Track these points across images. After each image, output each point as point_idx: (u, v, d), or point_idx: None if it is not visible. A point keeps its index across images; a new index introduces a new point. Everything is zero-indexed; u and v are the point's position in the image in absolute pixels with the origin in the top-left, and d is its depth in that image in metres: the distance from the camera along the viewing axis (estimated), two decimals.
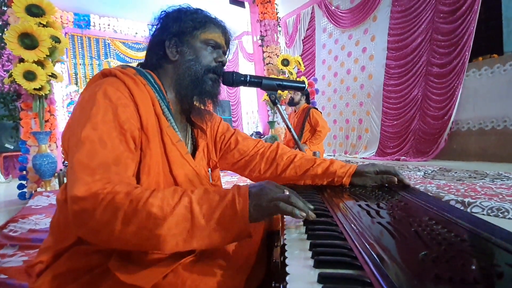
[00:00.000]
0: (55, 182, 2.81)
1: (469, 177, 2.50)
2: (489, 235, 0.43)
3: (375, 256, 0.38)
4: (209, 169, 0.87)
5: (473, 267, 0.34)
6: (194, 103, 0.78)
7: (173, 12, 0.77)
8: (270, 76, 4.43)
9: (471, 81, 3.78)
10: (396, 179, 0.80)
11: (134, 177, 0.60)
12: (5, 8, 2.68)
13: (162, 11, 0.78)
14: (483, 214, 1.56)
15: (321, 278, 0.34)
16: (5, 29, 2.61)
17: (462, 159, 3.85)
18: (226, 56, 0.82)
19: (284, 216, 0.60)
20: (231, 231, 0.50)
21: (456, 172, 2.80)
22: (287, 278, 0.35)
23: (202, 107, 0.81)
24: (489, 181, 2.28)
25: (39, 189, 2.69)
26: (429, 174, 2.82)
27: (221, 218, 0.50)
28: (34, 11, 2.43)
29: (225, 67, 0.83)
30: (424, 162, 3.92)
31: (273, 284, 0.56)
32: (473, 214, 1.57)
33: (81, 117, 0.58)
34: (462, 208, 1.66)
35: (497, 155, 3.53)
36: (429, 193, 1.91)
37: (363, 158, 4.88)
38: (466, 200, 1.70)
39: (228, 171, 0.97)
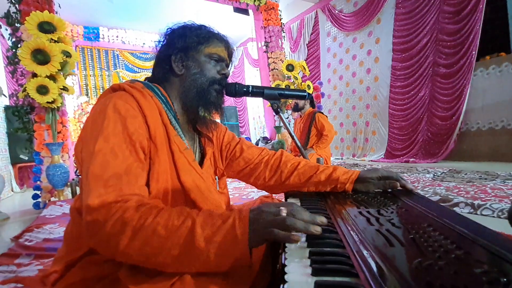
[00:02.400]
0: (67, 192, 2.88)
1: (480, 179, 2.45)
2: (486, 242, 0.43)
3: (371, 263, 0.39)
4: (216, 177, 0.90)
5: (465, 274, 0.35)
6: (200, 113, 0.82)
7: (178, 28, 0.81)
8: (276, 82, 4.46)
9: (479, 80, 3.72)
10: (398, 184, 0.81)
11: (145, 186, 0.63)
12: (19, 25, 2.80)
13: (168, 28, 0.82)
14: (494, 217, 1.54)
15: (318, 286, 0.36)
16: (19, 45, 2.73)
17: (473, 159, 3.78)
18: (228, 69, 0.85)
19: None
20: (231, 255, 0.50)
21: (466, 174, 2.76)
22: (285, 286, 0.37)
23: (208, 117, 0.85)
24: (500, 182, 2.23)
25: (52, 199, 2.77)
26: (438, 176, 2.78)
27: (221, 242, 0.50)
28: (46, 27, 2.53)
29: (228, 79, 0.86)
30: (434, 164, 3.86)
31: None
32: (484, 216, 1.54)
33: (93, 130, 0.62)
34: (472, 210, 1.63)
35: (509, 155, 3.45)
36: (438, 196, 1.89)
37: (371, 160, 4.83)
38: (476, 202, 1.67)
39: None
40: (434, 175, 2.85)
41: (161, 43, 0.82)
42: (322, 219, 0.52)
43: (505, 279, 0.33)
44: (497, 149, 3.57)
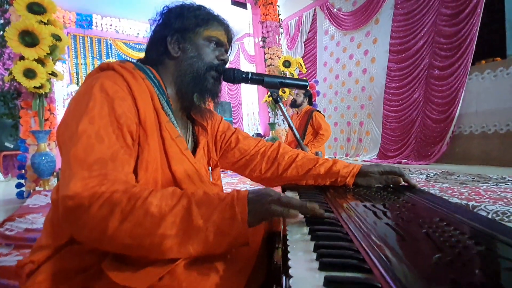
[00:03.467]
0: (53, 181, 2.78)
1: (472, 181, 2.47)
2: (504, 237, 0.40)
3: (384, 258, 0.36)
4: (210, 167, 0.85)
5: (493, 272, 0.31)
6: (195, 100, 0.77)
7: (175, 8, 0.76)
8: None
9: (473, 84, 3.75)
10: (401, 179, 0.78)
11: (132, 173, 0.58)
12: (7, 7, 2.67)
13: (164, 7, 0.77)
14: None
15: (328, 282, 0.32)
16: (7, 27, 2.60)
17: (465, 162, 3.82)
18: (228, 55, 0.80)
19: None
20: (229, 234, 0.48)
21: (459, 176, 2.77)
22: (291, 281, 0.33)
23: (203, 105, 0.80)
24: (493, 185, 2.25)
25: (37, 188, 2.67)
26: (431, 177, 2.79)
27: (219, 221, 0.48)
28: (35, 9, 2.42)
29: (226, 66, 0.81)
30: (426, 166, 3.89)
31: (274, 287, 0.53)
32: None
33: (77, 111, 0.57)
34: None
35: (500, 159, 3.49)
36: None
37: (364, 161, 4.85)
38: (471, 203, 1.67)
39: (229, 172, 0.95)
40: (427, 176, 2.86)
41: (157, 22, 0.77)
42: (314, 205, 0.52)
43: None
44: (489, 153, 3.62)
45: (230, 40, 0.80)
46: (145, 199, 0.48)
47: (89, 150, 0.51)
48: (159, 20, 0.76)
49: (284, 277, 0.35)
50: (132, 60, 0.73)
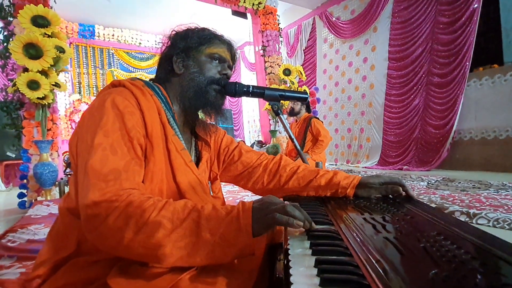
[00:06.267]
0: (55, 191, 2.79)
1: (473, 188, 2.47)
2: (501, 253, 0.41)
3: (382, 273, 0.37)
4: (209, 181, 0.86)
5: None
6: (199, 115, 0.80)
7: (182, 31, 0.81)
8: (272, 86, 4.46)
9: (472, 91, 3.78)
10: (401, 189, 0.79)
11: (142, 183, 0.61)
12: (11, 19, 2.73)
13: (172, 31, 0.81)
14: (489, 226, 1.54)
15: None
16: (11, 39, 2.65)
17: (465, 168, 3.82)
18: (231, 71, 0.83)
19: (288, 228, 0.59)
20: (235, 245, 0.51)
21: (460, 182, 2.77)
22: None
23: (207, 120, 0.82)
24: (493, 192, 2.25)
25: (39, 198, 2.68)
26: (432, 184, 2.79)
27: (226, 233, 0.51)
28: (40, 22, 2.47)
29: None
30: (427, 172, 3.89)
31: None
32: (479, 225, 1.54)
33: (90, 124, 0.61)
34: (467, 219, 1.63)
35: (500, 164, 3.50)
36: (433, 204, 1.89)
37: (365, 167, 4.85)
38: (471, 211, 1.67)
39: None
40: (428, 183, 2.86)
41: (165, 45, 0.81)
42: (312, 225, 0.54)
43: None
44: (489, 159, 3.62)
45: (233, 57, 0.83)
46: (158, 212, 0.51)
47: (104, 161, 0.55)
48: (167, 42, 0.81)
49: None
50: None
